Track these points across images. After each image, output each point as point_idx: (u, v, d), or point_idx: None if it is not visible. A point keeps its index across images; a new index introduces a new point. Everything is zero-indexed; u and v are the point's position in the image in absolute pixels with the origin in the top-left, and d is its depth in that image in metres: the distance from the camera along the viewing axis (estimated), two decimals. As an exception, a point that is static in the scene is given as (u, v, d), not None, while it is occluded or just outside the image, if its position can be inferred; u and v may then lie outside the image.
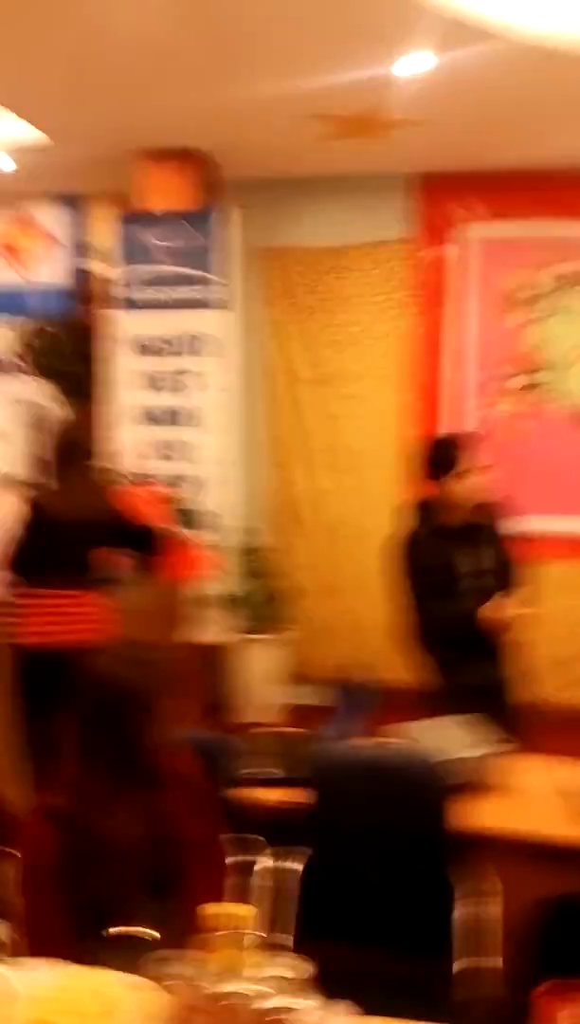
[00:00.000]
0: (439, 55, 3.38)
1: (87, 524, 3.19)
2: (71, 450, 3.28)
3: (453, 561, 3.02)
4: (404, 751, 2.32)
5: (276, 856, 2.26)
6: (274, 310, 5.05)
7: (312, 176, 4.82)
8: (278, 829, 2.31)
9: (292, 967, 1.46)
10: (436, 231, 4.82)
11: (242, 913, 1.52)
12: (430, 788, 2.14)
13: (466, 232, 4.79)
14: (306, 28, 3.22)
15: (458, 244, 4.80)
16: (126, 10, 3.10)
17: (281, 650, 4.85)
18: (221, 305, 4.56)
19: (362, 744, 2.52)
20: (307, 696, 5.09)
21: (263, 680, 4.77)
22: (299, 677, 5.05)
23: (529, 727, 3.21)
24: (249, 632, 4.82)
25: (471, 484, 3.00)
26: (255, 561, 4.86)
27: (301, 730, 2.83)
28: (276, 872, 2.22)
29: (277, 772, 2.45)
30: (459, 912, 2.07)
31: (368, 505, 5.02)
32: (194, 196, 4.52)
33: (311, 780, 2.25)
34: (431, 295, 4.87)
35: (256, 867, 2.21)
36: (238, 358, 4.60)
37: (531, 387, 4.83)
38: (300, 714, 4.88)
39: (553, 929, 2.00)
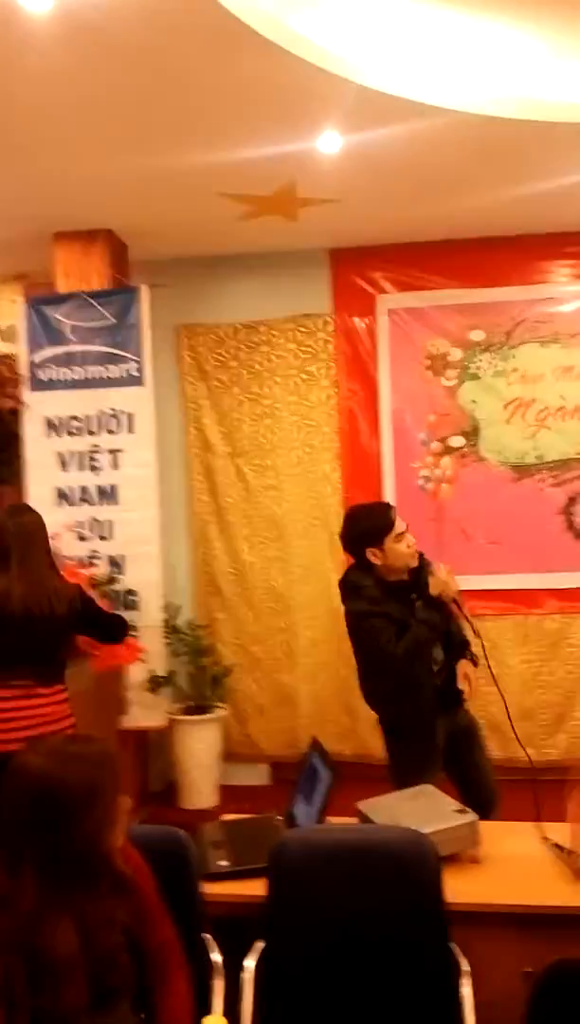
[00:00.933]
0: (350, 135, 3.49)
1: (49, 614, 3.03)
2: (25, 538, 3.11)
3: (415, 630, 3.00)
4: (390, 829, 2.23)
5: (247, 955, 2.13)
6: (189, 386, 5.04)
7: (227, 253, 4.87)
8: (241, 925, 2.19)
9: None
10: (353, 303, 4.93)
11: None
12: (425, 864, 2.05)
13: (382, 303, 4.90)
14: (219, 111, 3.28)
15: (376, 315, 4.90)
16: (33, 91, 3.09)
17: (213, 730, 4.70)
18: (134, 382, 4.52)
19: (339, 825, 2.42)
20: (243, 776, 4.96)
21: (197, 763, 4.60)
22: (233, 756, 4.91)
23: (489, 788, 3.20)
24: (181, 713, 4.66)
25: (410, 543, 3.06)
26: (180, 639, 4.73)
27: (262, 816, 2.71)
28: (252, 971, 2.08)
29: (245, 864, 2.33)
30: (465, 991, 1.98)
31: (293, 576, 4.98)
32: (105, 276, 4.51)
33: (279, 869, 2.14)
34: (352, 365, 4.95)
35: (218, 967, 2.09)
36: (154, 434, 4.54)
37: (467, 446, 4.92)
38: (236, 794, 4.74)
39: (548, 1001, 1.93)
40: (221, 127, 3.45)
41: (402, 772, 3.09)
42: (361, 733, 4.86)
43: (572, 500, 4.88)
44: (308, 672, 4.98)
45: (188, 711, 4.67)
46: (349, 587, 3.12)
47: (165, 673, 4.48)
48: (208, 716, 4.67)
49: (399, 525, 3.05)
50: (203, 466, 5.05)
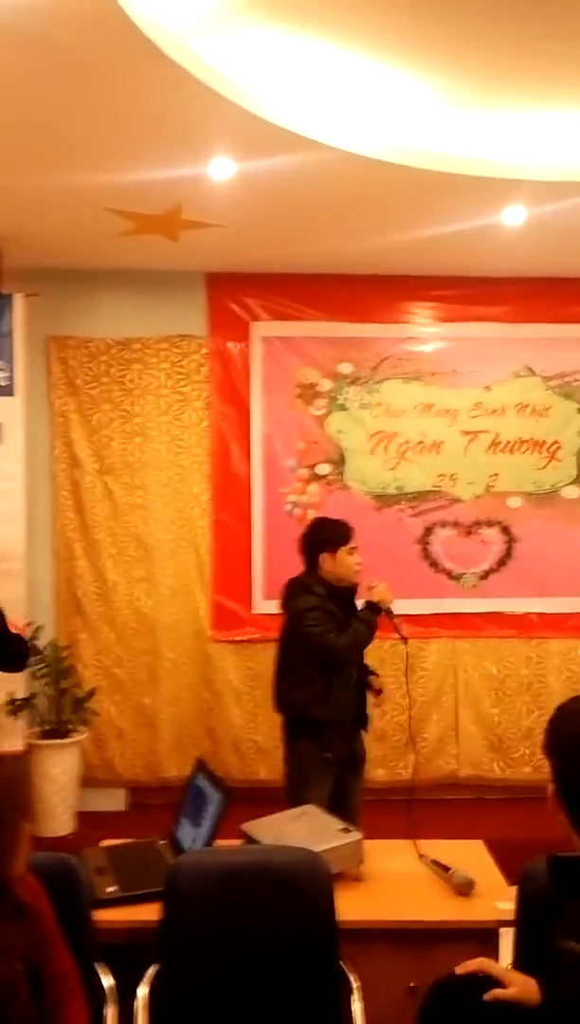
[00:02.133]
0: (239, 163, 3.56)
1: None
2: None
3: (355, 627, 3.34)
4: (284, 849, 2.25)
5: (139, 981, 2.10)
6: (58, 399, 4.92)
7: (106, 268, 4.81)
8: (131, 951, 2.16)
9: None
10: (227, 327, 4.98)
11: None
12: (318, 882, 2.09)
13: (256, 330, 4.98)
14: (112, 124, 3.26)
15: (250, 341, 4.97)
16: None
17: (72, 754, 4.57)
18: (4, 392, 4.38)
19: (232, 847, 2.42)
20: (100, 801, 4.83)
21: (55, 788, 4.45)
22: (89, 781, 4.78)
23: (353, 814, 3.30)
24: (39, 737, 4.50)
25: (357, 561, 3.42)
26: (41, 660, 4.59)
27: (143, 840, 2.67)
28: (146, 997, 2.05)
29: (133, 889, 2.30)
30: (356, 1007, 2.03)
31: (158, 597, 4.94)
32: (-24, 280, 4.36)
33: (174, 892, 2.12)
34: (224, 388, 4.98)
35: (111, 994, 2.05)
36: (21, 447, 4.41)
37: (333, 474, 5.05)
38: (92, 820, 4.61)
39: (435, 1016, 2.01)
40: (114, 147, 3.44)
41: (298, 777, 3.26)
42: (222, 757, 4.86)
43: (428, 530, 5.11)
44: (170, 695, 4.94)
45: (47, 735, 4.53)
46: (299, 586, 3.42)
47: (25, 695, 4.32)
48: (67, 740, 4.54)
49: (353, 541, 3.43)
50: (70, 482, 4.94)
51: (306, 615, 3.34)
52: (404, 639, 3.54)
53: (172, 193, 3.85)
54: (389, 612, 3.44)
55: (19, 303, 4.37)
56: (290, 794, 3.30)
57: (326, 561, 3.39)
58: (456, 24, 2.86)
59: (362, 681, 3.49)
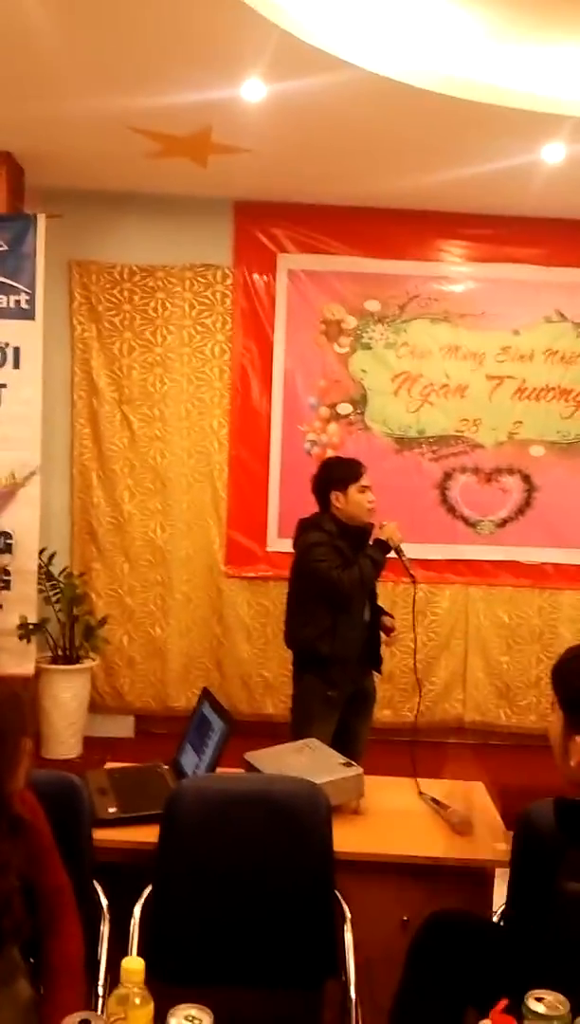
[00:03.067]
0: (272, 84, 3.43)
1: None
2: None
3: (360, 563, 3.35)
4: (285, 779, 2.26)
5: (135, 901, 2.14)
6: (79, 325, 4.86)
7: (131, 192, 4.70)
8: (128, 871, 2.19)
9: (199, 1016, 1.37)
10: (254, 258, 4.87)
11: (135, 967, 1.42)
12: (317, 813, 2.11)
13: (283, 262, 4.87)
14: (138, 45, 3.15)
15: (276, 273, 4.87)
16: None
17: (81, 680, 4.63)
18: (24, 315, 4.31)
19: (234, 775, 2.44)
20: (107, 727, 4.91)
21: (63, 713, 4.51)
22: (97, 707, 4.85)
23: (356, 753, 3.32)
24: (50, 662, 4.55)
25: (369, 499, 3.43)
26: (54, 587, 4.62)
27: (146, 764, 2.70)
28: (141, 917, 2.09)
29: (133, 811, 2.33)
30: (348, 936, 2.05)
31: (173, 530, 4.94)
32: (2, 200, 4.27)
33: (174, 816, 2.14)
34: (247, 321, 4.90)
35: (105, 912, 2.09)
36: (39, 372, 4.36)
37: (354, 414, 4.98)
38: (99, 745, 4.69)
39: (426, 949, 2.03)
40: (143, 66, 3.32)
41: (302, 712, 3.31)
42: (230, 690, 4.91)
43: (447, 475, 5.06)
44: (181, 627, 4.97)
45: (57, 660, 4.57)
46: (308, 523, 3.46)
47: (37, 620, 4.36)
48: (78, 666, 4.59)
49: (364, 480, 3.44)
50: (88, 410, 4.90)
51: (313, 549, 3.37)
52: (414, 579, 3.55)
53: (202, 115, 3.73)
54: (398, 551, 3.46)
55: (41, 224, 4.28)
56: (294, 728, 3.35)
57: (337, 499, 3.40)
58: None
59: (374, 620, 3.50)
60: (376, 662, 3.55)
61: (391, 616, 3.64)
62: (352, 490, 3.40)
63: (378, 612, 3.56)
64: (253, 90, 3.48)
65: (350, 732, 3.41)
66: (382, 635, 3.56)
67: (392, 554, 3.47)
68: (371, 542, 3.44)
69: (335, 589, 3.32)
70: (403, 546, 3.51)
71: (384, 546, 3.42)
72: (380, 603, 3.60)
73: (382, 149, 4.03)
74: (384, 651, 3.61)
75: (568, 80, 3.48)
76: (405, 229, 4.89)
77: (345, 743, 3.32)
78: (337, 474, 3.46)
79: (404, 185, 4.43)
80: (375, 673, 3.60)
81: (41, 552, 4.48)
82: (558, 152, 3.90)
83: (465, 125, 3.69)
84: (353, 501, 3.40)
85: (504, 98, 3.47)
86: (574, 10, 3.08)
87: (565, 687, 1.50)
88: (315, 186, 4.57)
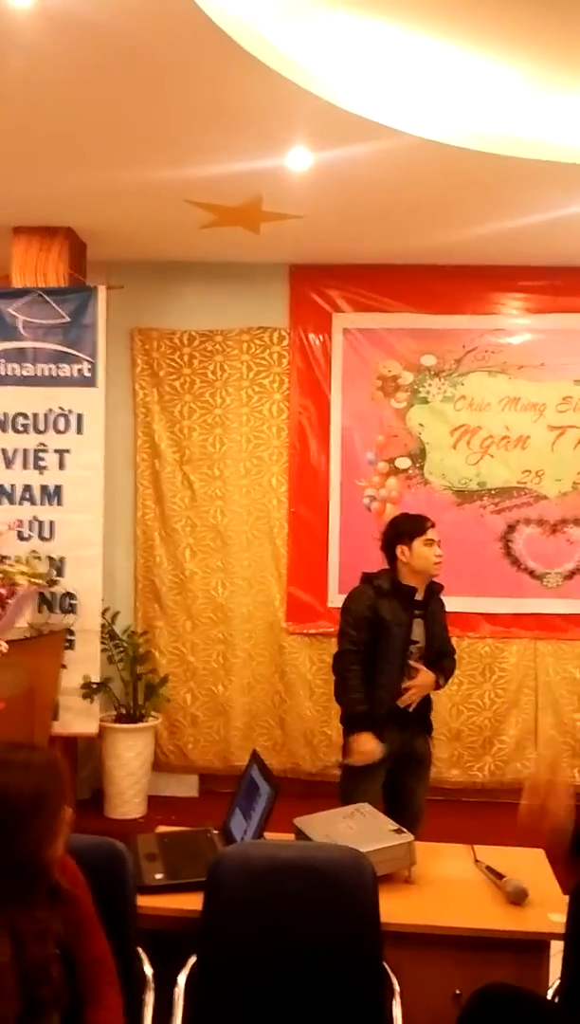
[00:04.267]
0: (317, 153, 3.52)
1: None
2: None
3: (411, 624, 3.32)
4: (329, 847, 2.23)
5: (179, 969, 2.11)
6: (140, 390, 5.00)
7: (188, 260, 4.86)
8: (175, 940, 2.17)
9: None
10: (309, 319, 4.96)
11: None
12: (363, 883, 2.07)
13: (338, 322, 4.94)
14: (190, 118, 3.27)
15: (331, 333, 4.94)
16: (7, 88, 3.04)
17: (144, 739, 4.65)
18: (86, 383, 4.46)
19: (278, 842, 2.42)
20: (172, 786, 4.91)
21: (127, 771, 4.54)
22: (162, 766, 4.87)
23: (414, 818, 3.25)
24: (113, 721, 4.60)
25: (436, 553, 3.38)
26: (117, 646, 4.68)
27: (197, 829, 2.69)
28: (186, 987, 2.07)
29: (180, 878, 2.31)
30: (396, 1010, 1.99)
31: (234, 588, 4.97)
32: (62, 273, 4.46)
33: (217, 884, 2.12)
34: (304, 380, 4.97)
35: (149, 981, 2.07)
36: (103, 436, 4.49)
37: (413, 468, 4.98)
38: (164, 805, 4.69)
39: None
40: (194, 140, 3.45)
41: (347, 771, 3.32)
42: (293, 747, 4.87)
43: (511, 528, 4.98)
44: (243, 684, 4.97)
45: (120, 719, 4.62)
46: (365, 577, 3.46)
47: (100, 679, 4.41)
48: (141, 725, 4.62)
49: (431, 533, 3.41)
50: (150, 471, 5.01)
51: (344, 612, 3.40)
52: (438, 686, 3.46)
53: (251, 185, 3.85)
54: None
55: (101, 295, 4.44)
56: (342, 788, 3.30)
57: (402, 553, 3.37)
58: (539, 6, 2.76)
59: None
60: (425, 722, 3.45)
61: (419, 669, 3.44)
62: (417, 543, 3.37)
63: (447, 670, 3.49)
64: (299, 159, 3.58)
65: (406, 793, 3.33)
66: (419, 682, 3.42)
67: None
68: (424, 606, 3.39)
69: (336, 656, 3.35)
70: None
71: (432, 610, 3.42)
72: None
73: (428, 207, 4.08)
74: (433, 714, 3.51)
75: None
76: (458, 284, 4.91)
77: (402, 805, 3.26)
78: (403, 528, 3.44)
79: (453, 241, 4.46)
80: (427, 734, 3.48)
81: (104, 612, 4.56)
82: (607, 202, 3.88)
83: (509, 180, 3.72)
84: (418, 554, 3.36)
85: (546, 151, 3.49)
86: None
87: None
88: (366, 247, 4.64)
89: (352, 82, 3.19)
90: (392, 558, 3.43)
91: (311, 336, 4.97)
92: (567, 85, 3.27)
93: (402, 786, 3.34)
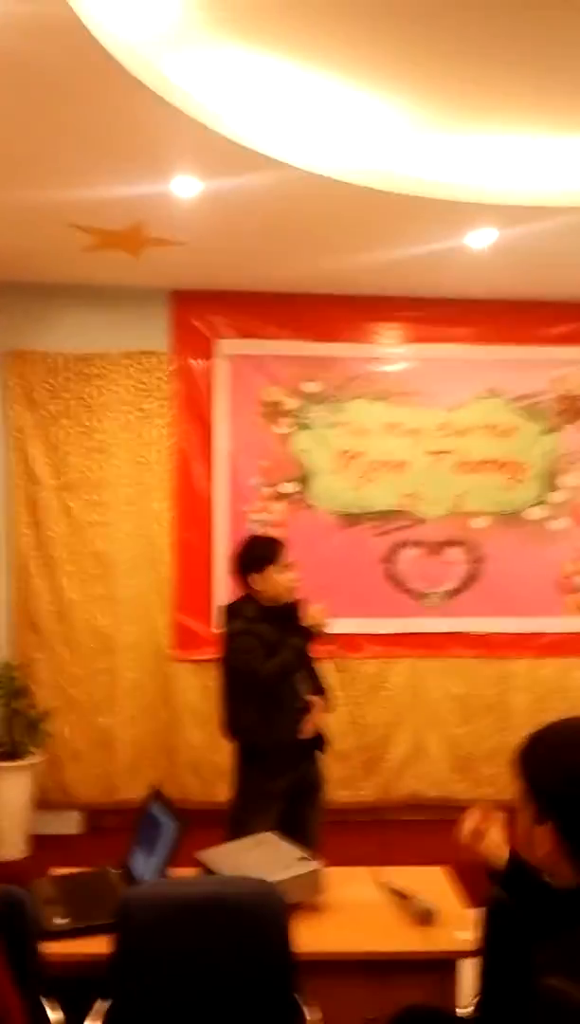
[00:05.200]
0: (204, 181, 3.52)
1: None
2: None
3: (282, 653, 3.23)
4: (239, 880, 2.19)
5: (87, 1015, 2.03)
6: (14, 414, 4.84)
7: (68, 283, 4.75)
8: (81, 984, 2.09)
9: None
10: (191, 345, 4.93)
11: None
12: (275, 914, 2.04)
13: (221, 348, 4.94)
14: (73, 140, 3.20)
15: (214, 359, 4.93)
16: None
17: (25, 776, 4.47)
18: (-39, 406, 4.30)
19: (187, 879, 2.36)
20: (54, 824, 4.73)
21: (7, 812, 4.34)
22: (43, 803, 4.68)
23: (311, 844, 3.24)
24: (-9, 759, 4.40)
25: (289, 578, 3.33)
26: (-5, 680, 4.49)
27: (95, 869, 2.60)
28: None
29: (85, 921, 2.23)
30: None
31: (117, 616, 4.86)
32: None
33: (126, 926, 2.05)
34: (187, 406, 4.94)
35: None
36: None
37: (298, 493, 5.01)
38: (47, 844, 4.51)
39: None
40: (77, 163, 3.38)
41: (240, 807, 3.19)
42: (182, 778, 4.79)
43: (393, 550, 5.09)
44: (128, 715, 4.85)
45: (1, 756, 4.42)
46: (230, 610, 3.37)
47: (-22, 716, 4.22)
48: (20, 762, 4.44)
49: (283, 558, 3.35)
50: (27, 497, 4.84)
51: (231, 640, 3.28)
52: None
53: (134, 210, 3.81)
54: (323, 635, 3.36)
55: (-22, 317, 4.30)
56: (232, 822, 3.22)
57: (256, 581, 3.31)
58: (422, 46, 2.86)
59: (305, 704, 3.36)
60: (319, 743, 3.41)
61: (323, 694, 3.46)
62: (270, 571, 3.29)
63: (321, 691, 3.45)
64: (184, 186, 3.57)
65: (301, 822, 3.27)
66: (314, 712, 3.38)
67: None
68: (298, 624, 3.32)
69: (257, 680, 3.21)
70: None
71: (307, 633, 3.29)
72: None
73: (313, 237, 4.15)
74: (328, 732, 3.47)
75: (491, 169, 3.65)
76: (340, 313, 5.01)
77: (297, 834, 3.22)
78: (253, 555, 3.35)
79: (336, 270, 4.55)
80: (320, 755, 3.45)
81: (-18, 645, 4.37)
82: (485, 237, 4.06)
83: (392, 215, 3.83)
84: (272, 582, 3.29)
85: (428, 189, 3.62)
86: (494, 100, 3.23)
87: (528, 775, 1.47)
88: (250, 274, 4.68)
89: (240, 113, 3.22)
90: (246, 584, 3.35)
91: (193, 361, 4.95)
92: (443, 123, 3.40)
93: (297, 813, 3.30)
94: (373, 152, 3.51)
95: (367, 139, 3.45)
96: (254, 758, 3.28)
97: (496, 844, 1.66)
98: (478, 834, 1.68)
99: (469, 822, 1.70)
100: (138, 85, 2.83)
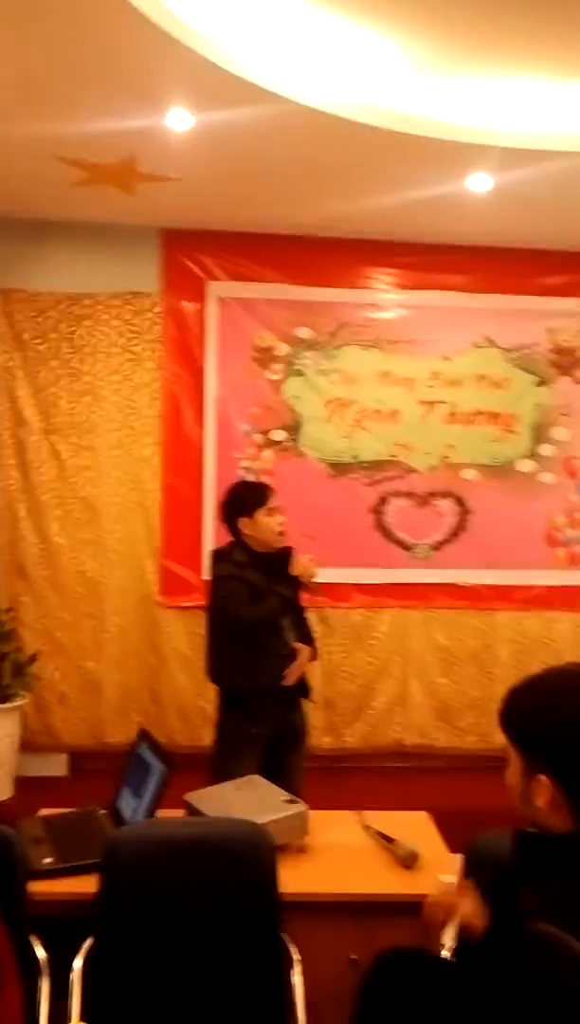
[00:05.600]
0: (198, 115, 3.42)
1: None
2: None
3: (269, 600, 3.21)
4: (227, 821, 2.20)
5: (74, 954, 2.05)
6: (3, 354, 4.75)
7: (57, 220, 4.63)
8: (67, 923, 2.10)
9: None
10: (183, 286, 4.84)
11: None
12: (262, 855, 2.05)
13: (213, 290, 4.85)
14: (59, 70, 3.10)
15: (205, 301, 4.84)
16: None
17: (12, 719, 4.48)
18: (-53, 345, 4.21)
19: (175, 819, 2.37)
20: (40, 767, 4.76)
21: (-6, 753, 4.36)
22: (29, 746, 4.70)
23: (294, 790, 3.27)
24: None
25: (278, 522, 3.29)
26: (-18, 623, 4.48)
27: (83, 809, 2.60)
28: (80, 970, 2.00)
29: (71, 861, 2.24)
30: (297, 979, 2.00)
31: (105, 561, 4.84)
32: None
33: (113, 865, 2.06)
34: (178, 349, 4.86)
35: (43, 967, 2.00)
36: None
37: (288, 440, 4.96)
38: (33, 786, 4.54)
39: (377, 989, 1.99)
40: (67, 92, 3.28)
41: (223, 750, 3.21)
42: (168, 722, 4.81)
43: (382, 500, 5.07)
44: (115, 660, 4.86)
45: (-14, 698, 4.43)
46: (218, 554, 3.34)
47: (-35, 658, 4.22)
48: (8, 705, 4.44)
49: (271, 502, 3.31)
50: (14, 441, 4.78)
51: (217, 584, 3.26)
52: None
53: (126, 143, 3.70)
54: (311, 585, 3.36)
55: (-35, 252, 4.19)
56: (215, 766, 3.23)
57: (245, 525, 3.29)
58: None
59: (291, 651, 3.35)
60: (304, 690, 3.42)
61: (311, 643, 3.45)
62: (259, 514, 3.27)
63: (309, 640, 3.44)
64: (179, 120, 3.46)
65: (284, 767, 3.27)
66: (300, 659, 3.36)
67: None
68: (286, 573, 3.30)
69: (241, 626, 3.20)
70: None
71: (295, 582, 3.29)
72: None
73: (310, 177, 4.05)
74: (312, 680, 3.48)
75: (492, 111, 3.55)
76: (334, 257, 4.92)
77: (280, 779, 3.23)
78: (242, 499, 3.34)
79: (332, 213, 4.46)
80: (307, 702, 3.47)
81: (-32, 588, 4.35)
82: (484, 182, 3.98)
83: (391, 154, 3.74)
84: (262, 526, 3.27)
85: (430, 128, 3.53)
86: (496, 42, 3.14)
87: (516, 728, 1.45)
88: (244, 214, 4.57)
89: (239, 44, 3.11)
90: (235, 530, 3.33)
91: (185, 303, 4.86)
92: (445, 64, 3.30)
93: (280, 760, 3.31)
94: (374, 90, 3.41)
95: (368, 76, 3.35)
96: (236, 702, 3.29)
97: (471, 915, 1.59)
98: (448, 909, 1.61)
99: (436, 898, 1.64)
100: (131, 9, 2.72)
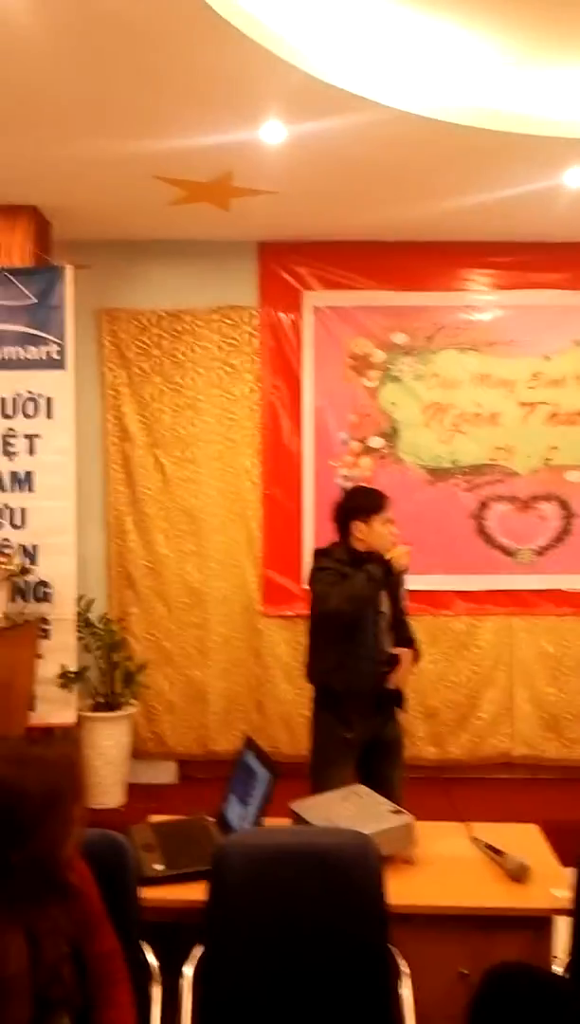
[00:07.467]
0: (291, 125, 3.45)
1: None
2: None
3: (354, 577, 3.18)
4: (333, 831, 2.21)
5: (184, 960, 2.08)
6: (109, 372, 4.90)
7: (156, 239, 4.76)
8: (177, 930, 2.14)
9: None
10: (279, 298, 4.89)
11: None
12: (369, 866, 2.05)
13: (309, 300, 4.89)
14: (161, 88, 3.17)
15: (301, 311, 4.88)
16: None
17: (123, 727, 4.59)
18: (55, 365, 4.36)
19: (282, 828, 2.39)
20: (150, 774, 4.87)
21: (105, 760, 4.48)
22: (139, 754, 4.81)
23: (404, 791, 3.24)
24: (90, 710, 4.53)
25: (392, 531, 3.28)
26: (93, 634, 4.61)
27: (192, 817, 2.65)
28: (191, 977, 2.04)
29: (180, 868, 2.28)
30: (405, 992, 1.99)
31: (208, 571, 4.92)
32: (27, 253, 4.33)
33: (221, 873, 2.09)
34: (275, 360, 4.91)
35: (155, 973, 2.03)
36: (72, 420, 4.39)
37: (386, 447, 4.96)
38: (143, 793, 4.65)
39: (491, 1007, 1.96)
40: (164, 112, 3.35)
41: (319, 756, 3.25)
42: (271, 731, 4.85)
43: (483, 505, 4.99)
44: (220, 669, 4.93)
45: (98, 707, 4.55)
46: (320, 552, 3.37)
47: (77, 668, 4.34)
48: (119, 713, 4.56)
49: (388, 512, 3.31)
50: (121, 455, 4.92)
51: (315, 576, 3.26)
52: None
53: (222, 159, 3.77)
54: (398, 574, 3.30)
55: (69, 275, 4.33)
56: (313, 773, 3.22)
57: (358, 528, 3.27)
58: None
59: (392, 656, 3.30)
60: (398, 700, 3.34)
61: (412, 647, 3.38)
62: (376, 521, 3.26)
63: (409, 643, 3.37)
64: (272, 132, 3.50)
65: (383, 779, 3.16)
66: (403, 663, 3.31)
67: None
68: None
69: (330, 608, 3.16)
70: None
71: (385, 563, 3.21)
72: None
73: (402, 182, 4.03)
74: (406, 689, 3.38)
75: (586, 105, 3.47)
76: (429, 261, 4.88)
77: (379, 792, 3.20)
78: (362, 503, 3.34)
79: (425, 216, 4.42)
80: (398, 712, 3.38)
81: (79, 600, 4.48)
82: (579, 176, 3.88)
83: (484, 153, 3.69)
84: (377, 533, 3.26)
85: (523, 125, 3.46)
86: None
87: None
88: (337, 223, 4.59)
89: (329, 53, 3.12)
90: (345, 531, 3.32)
91: (281, 315, 4.90)
92: (542, 58, 3.24)
93: (377, 773, 3.23)
94: (465, 89, 3.37)
95: (458, 75, 3.32)
96: (330, 703, 3.27)
97: None
98: None
99: None
100: (225, 25, 2.77)
